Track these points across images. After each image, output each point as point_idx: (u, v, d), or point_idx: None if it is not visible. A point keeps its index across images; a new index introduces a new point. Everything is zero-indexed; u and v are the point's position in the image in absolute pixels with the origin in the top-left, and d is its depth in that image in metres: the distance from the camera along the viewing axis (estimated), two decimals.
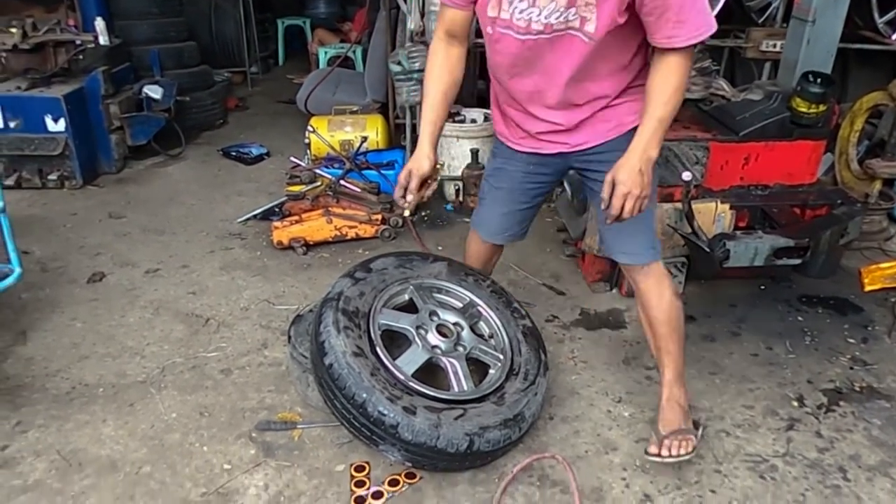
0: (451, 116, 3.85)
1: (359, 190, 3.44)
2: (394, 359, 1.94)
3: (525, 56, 1.73)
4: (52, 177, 3.89)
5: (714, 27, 1.60)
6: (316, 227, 3.27)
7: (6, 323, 2.65)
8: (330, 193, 3.39)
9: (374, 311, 2.02)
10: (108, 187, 4.02)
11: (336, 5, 7.63)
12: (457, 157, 3.73)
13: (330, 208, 3.33)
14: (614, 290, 2.94)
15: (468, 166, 3.62)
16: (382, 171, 3.57)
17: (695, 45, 1.62)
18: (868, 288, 2.47)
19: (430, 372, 2.03)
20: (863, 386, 2.38)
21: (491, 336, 2.19)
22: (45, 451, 2.03)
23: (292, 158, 3.78)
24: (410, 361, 1.97)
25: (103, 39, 4.19)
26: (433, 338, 2.04)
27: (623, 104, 1.82)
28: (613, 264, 2.90)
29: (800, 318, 2.78)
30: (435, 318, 2.11)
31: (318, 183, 3.46)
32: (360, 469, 1.97)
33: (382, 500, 1.88)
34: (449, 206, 3.77)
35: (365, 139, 3.79)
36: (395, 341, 2.07)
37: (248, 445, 2.07)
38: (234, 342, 2.57)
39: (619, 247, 1.99)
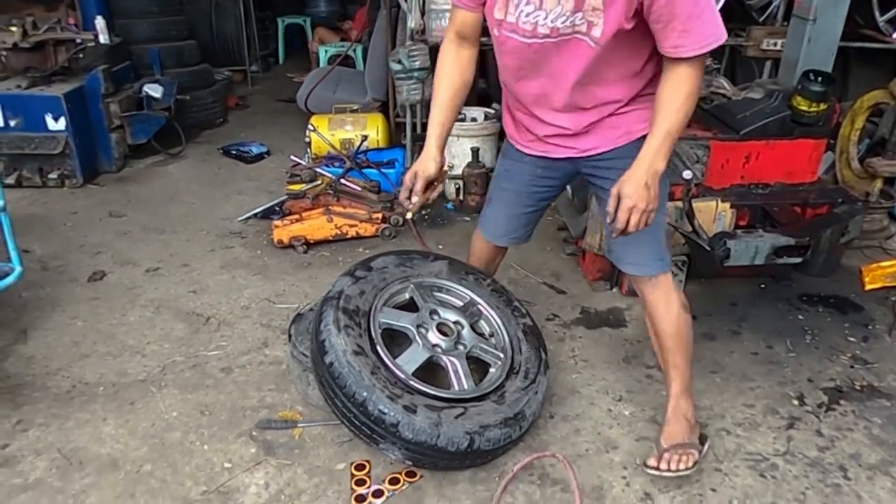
0: None
1: (359, 189, 3.44)
2: (394, 357, 1.94)
3: (531, 59, 1.72)
4: (53, 175, 3.89)
5: (723, 37, 1.57)
6: (316, 225, 3.27)
7: (7, 321, 2.65)
8: (330, 192, 3.38)
9: (375, 310, 2.03)
10: (108, 186, 4.02)
11: (336, 4, 7.62)
12: (457, 156, 3.72)
13: (330, 207, 3.33)
14: (615, 289, 2.94)
15: (469, 165, 3.61)
16: (383, 170, 3.56)
17: (704, 55, 1.59)
18: (868, 287, 2.47)
19: (431, 371, 2.03)
20: (863, 385, 2.38)
21: (491, 335, 2.19)
22: (46, 450, 2.03)
23: (293, 157, 3.78)
24: (411, 360, 1.97)
25: (103, 38, 4.19)
26: (434, 336, 2.04)
27: (633, 111, 1.79)
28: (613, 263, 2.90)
29: (800, 317, 2.78)
30: (435, 317, 2.11)
31: (319, 182, 3.46)
32: (360, 467, 1.97)
33: (383, 498, 1.88)
34: (449, 205, 3.77)
35: (365, 138, 3.79)
36: (396, 340, 2.07)
37: (248, 444, 2.07)
38: (235, 341, 2.57)
39: (625, 257, 1.96)
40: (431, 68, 3.51)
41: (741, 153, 2.74)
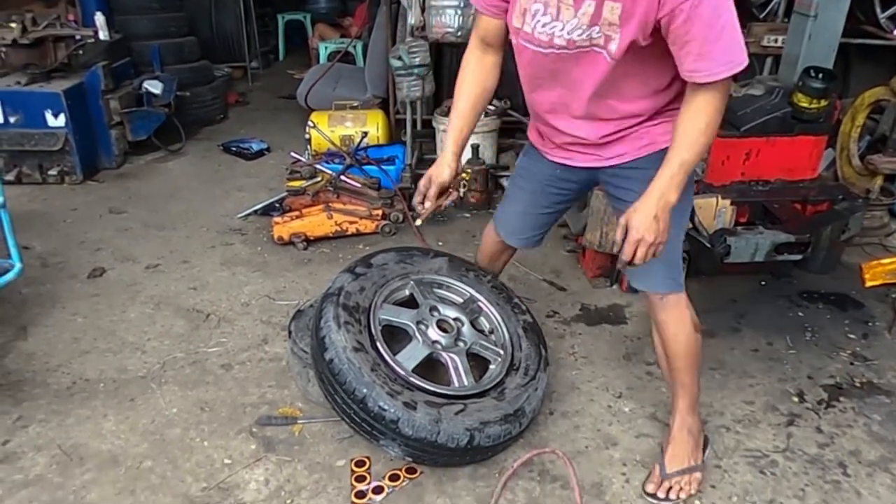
0: None
1: (359, 185, 3.43)
2: (394, 354, 1.94)
3: (547, 69, 1.69)
4: (53, 172, 3.89)
5: (743, 63, 1.47)
6: (316, 222, 3.27)
7: (7, 318, 2.65)
8: (330, 189, 3.38)
9: (375, 307, 2.02)
10: (108, 182, 4.02)
11: (336, 0, 7.61)
12: None
13: (330, 204, 3.33)
14: (615, 286, 2.94)
15: (469, 162, 3.61)
16: (383, 167, 3.56)
17: (725, 81, 1.50)
18: (869, 284, 2.47)
19: (431, 367, 2.03)
20: (863, 381, 2.38)
21: (491, 331, 2.19)
22: (46, 446, 2.03)
23: (293, 154, 3.78)
24: (411, 357, 1.97)
25: (103, 34, 4.18)
26: (434, 333, 2.04)
27: (659, 124, 1.73)
28: (614, 260, 2.90)
29: (800, 314, 2.78)
30: (435, 314, 2.11)
31: (319, 178, 3.46)
32: (360, 464, 1.97)
33: (383, 494, 1.88)
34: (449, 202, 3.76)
35: (365, 134, 3.78)
36: (396, 336, 2.07)
37: (248, 440, 2.07)
38: (235, 337, 2.57)
39: (635, 271, 1.86)
40: (431, 65, 3.51)
41: (742, 150, 2.74)
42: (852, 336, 2.64)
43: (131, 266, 3.08)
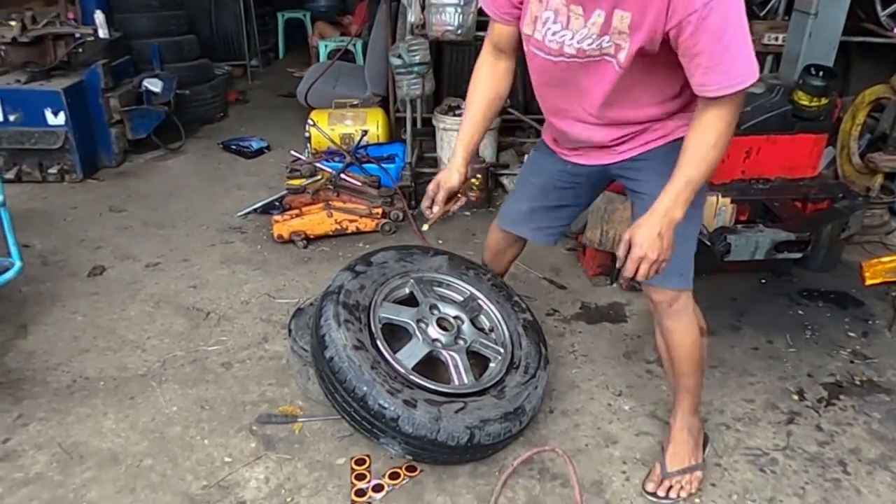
0: (452, 110, 3.84)
1: (359, 184, 3.43)
2: (394, 352, 1.94)
3: (558, 76, 1.67)
4: (53, 170, 3.89)
5: (753, 78, 1.43)
6: (316, 220, 3.27)
7: (7, 316, 2.65)
8: (330, 187, 3.38)
9: (375, 305, 2.02)
10: (108, 181, 4.02)
11: None
12: None
13: (330, 202, 3.33)
14: (615, 284, 2.94)
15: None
16: (383, 165, 3.56)
17: (736, 96, 1.46)
18: (869, 282, 2.46)
19: (431, 365, 2.03)
20: (863, 380, 2.38)
21: (491, 330, 2.19)
22: (47, 444, 2.03)
23: (292, 152, 3.78)
24: (411, 355, 1.97)
25: (103, 32, 4.17)
26: (434, 331, 2.04)
27: (672, 120, 1.71)
28: (614, 258, 2.89)
29: (800, 312, 2.78)
30: (435, 312, 2.10)
31: (319, 177, 3.46)
32: (360, 462, 1.97)
33: (383, 493, 1.88)
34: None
35: (365, 133, 3.78)
36: (396, 335, 2.07)
37: (248, 438, 2.07)
38: (235, 336, 2.57)
39: None
40: (431, 63, 3.50)
41: (742, 148, 2.74)
42: (852, 334, 2.64)
43: (131, 264, 3.08)
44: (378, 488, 1.89)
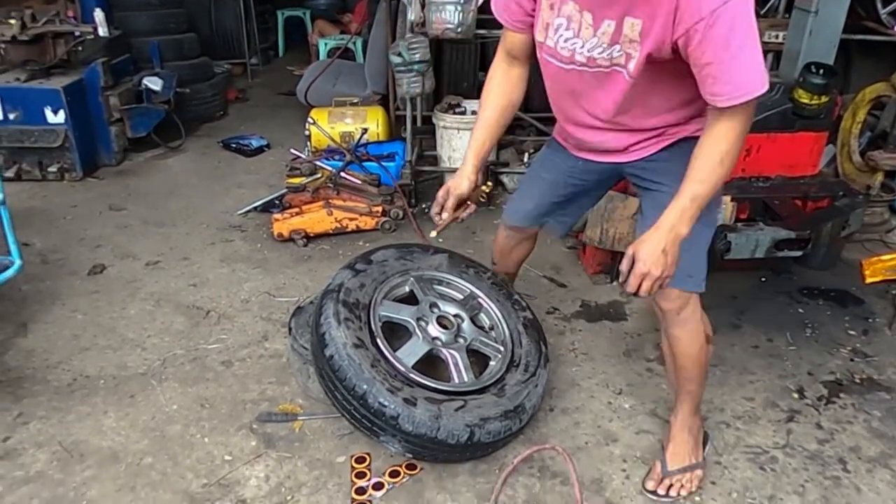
0: (452, 108, 3.84)
1: (359, 182, 3.43)
2: (394, 350, 1.94)
3: (570, 84, 1.67)
4: (52, 169, 3.89)
5: (762, 88, 1.39)
6: (316, 218, 3.27)
7: (7, 315, 2.65)
8: (330, 185, 3.38)
9: (375, 303, 2.02)
10: (108, 179, 4.02)
11: None
12: (458, 150, 3.71)
13: (330, 200, 3.33)
14: (615, 282, 2.93)
15: None
16: (383, 163, 3.56)
17: (748, 105, 1.43)
18: (869, 280, 2.46)
19: (431, 363, 2.03)
20: (863, 378, 2.38)
21: (491, 328, 2.19)
22: (47, 443, 2.03)
23: (292, 150, 3.77)
24: (411, 353, 1.97)
25: (102, 31, 4.16)
26: (434, 329, 2.04)
27: (689, 123, 1.69)
28: (614, 256, 2.90)
29: (800, 310, 2.78)
30: (435, 310, 2.11)
31: (319, 175, 3.46)
32: (360, 460, 1.97)
33: (383, 491, 1.89)
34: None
35: (365, 131, 3.78)
36: (396, 333, 2.07)
37: (248, 437, 2.08)
38: (235, 334, 2.57)
39: None
40: (431, 61, 3.50)
41: (742, 146, 2.73)
42: (852, 332, 2.64)
43: (131, 263, 3.08)
44: (378, 486, 1.89)
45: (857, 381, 2.37)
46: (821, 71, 2.63)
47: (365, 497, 1.86)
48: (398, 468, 1.94)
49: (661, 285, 1.55)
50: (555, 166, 1.97)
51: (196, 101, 4.87)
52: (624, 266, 1.56)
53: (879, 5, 3.76)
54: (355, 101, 4.20)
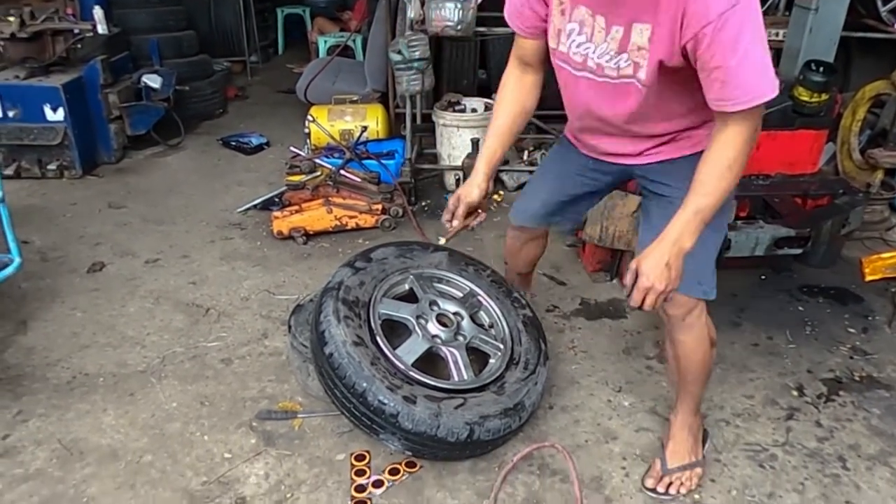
0: (452, 106, 3.83)
1: (359, 180, 3.43)
2: (394, 348, 1.94)
3: (583, 92, 1.65)
4: (52, 166, 3.88)
5: (770, 93, 1.36)
6: (316, 216, 3.27)
7: (6, 312, 2.65)
8: (330, 183, 3.38)
9: (375, 301, 2.02)
10: (107, 177, 4.01)
11: None
12: (457, 147, 3.71)
13: (330, 198, 3.32)
14: (615, 280, 2.94)
15: (469, 156, 3.60)
16: (382, 161, 3.55)
17: (757, 110, 1.41)
18: (869, 278, 2.46)
19: (431, 361, 2.03)
20: (862, 375, 2.38)
21: (491, 326, 2.19)
22: (46, 441, 2.03)
23: (292, 148, 3.77)
24: (410, 351, 1.97)
25: (102, 28, 4.16)
26: (433, 327, 2.04)
27: (703, 128, 1.66)
28: (614, 254, 2.90)
29: (800, 308, 2.78)
30: (435, 308, 2.11)
31: (318, 173, 3.46)
32: (360, 458, 1.98)
33: (383, 488, 1.89)
34: (449, 196, 3.76)
35: (365, 129, 3.77)
36: (396, 331, 2.07)
37: (248, 434, 2.08)
38: (235, 332, 2.57)
39: None
40: (431, 59, 3.50)
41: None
42: (852, 330, 2.64)
43: (131, 261, 3.08)
44: (378, 484, 1.89)
45: (857, 378, 2.37)
46: (821, 69, 2.62)
47: (364, 495, 1.86)
48: (398, 466, 1.94)
49: (666, 299, 1.52)
50: (565, 164, 1.96)
51: (195, 99, 4.87)
52: (627, 280, 1.53)
53: (879, 3, 3.76)
54: (355, 98, 4.20)
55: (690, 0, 1.34)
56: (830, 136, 3.18)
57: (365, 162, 3.54)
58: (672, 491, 1.87)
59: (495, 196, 1.92)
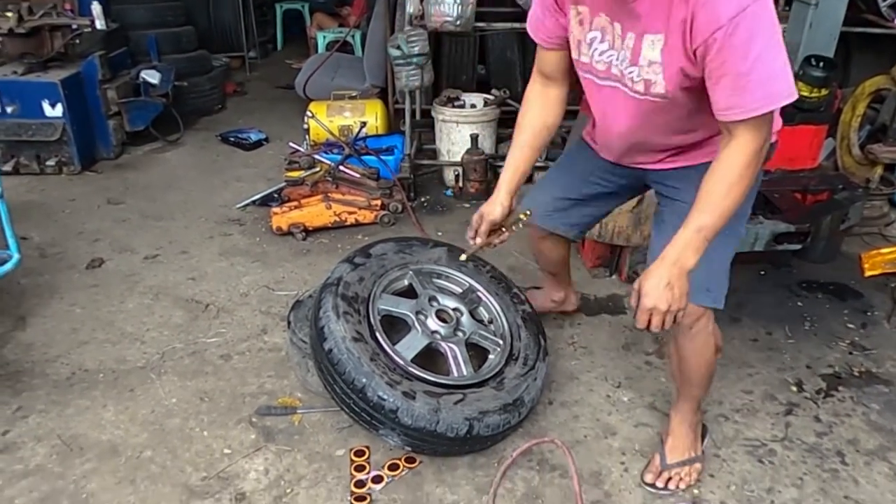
0: (451, 101, 3.83)
1: (358, 175, 3.42)
2: (393, 344, 1.94)
3: (607, 102, 1.63)
4: (50, 162, 3.87)
5: (785, 94, 1.32)
6: (315, 212, 3.26)
7: (5, 309, 2.65)
8: (329, 179, 3.37)
9: (374, 297, 2.02)
10: (106, 173, 4.01)
11: None
12: (457, 143, 3.71)
13: (329, 194, 3.32)
14: (614, 276, 2.94)
15: (468, 151, 3.60)
16: (382, 157, 3.55)
17: (766, 118, 1.36)
18: (868, 273, 2.47)
19: (430, 357, 2.03)
20: (861, 371, 2.39)
21: (490, 321, 2.19)
22: (46, 436, 2.03)
23: (291, 144, 3.77)
24: (410, 346, 1.97)
25: (100, 24, 4.15)
26: (433, 323, 2.04)
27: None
28: (613, 250, 2.90)
29: (799, 304, 2.78)
30: (434, 304, 2.11)
31: (317, 168, 3.45)
32: (359, 453, 1.98)
33: (382, 484, 1.89)
34: (448, 192, 3.76)
35: (364, 124, 3.77)
36: (395, 326, 2.07)
37: (248, 430, 2.08)
38: (234, 328, 2.57)
39: None
40: (430, 54, 3.49)
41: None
42: (851, 325, 2.64)
43: (130, 257, 3.07)
44: (377, 479, 1.90)
45: (856, 374, 2.37)
46: (821, 64, 2.62)
47: (364, 490, 1.86)
48: (397, 461, 1.95)
49: (675, 319, 1.47)
50: (579, 163, 1.95)
51: (194, 95, 4.86)
52: (632, 301, 1.50)
53: None
54: (354, 94, 4.19)
55: (699, 4, 1.30)
56: (830, 132, 3.18)
57: (364, 158, 3.54)
58: (671, 486, 1.88)
59: (522, 215, 1.89)
